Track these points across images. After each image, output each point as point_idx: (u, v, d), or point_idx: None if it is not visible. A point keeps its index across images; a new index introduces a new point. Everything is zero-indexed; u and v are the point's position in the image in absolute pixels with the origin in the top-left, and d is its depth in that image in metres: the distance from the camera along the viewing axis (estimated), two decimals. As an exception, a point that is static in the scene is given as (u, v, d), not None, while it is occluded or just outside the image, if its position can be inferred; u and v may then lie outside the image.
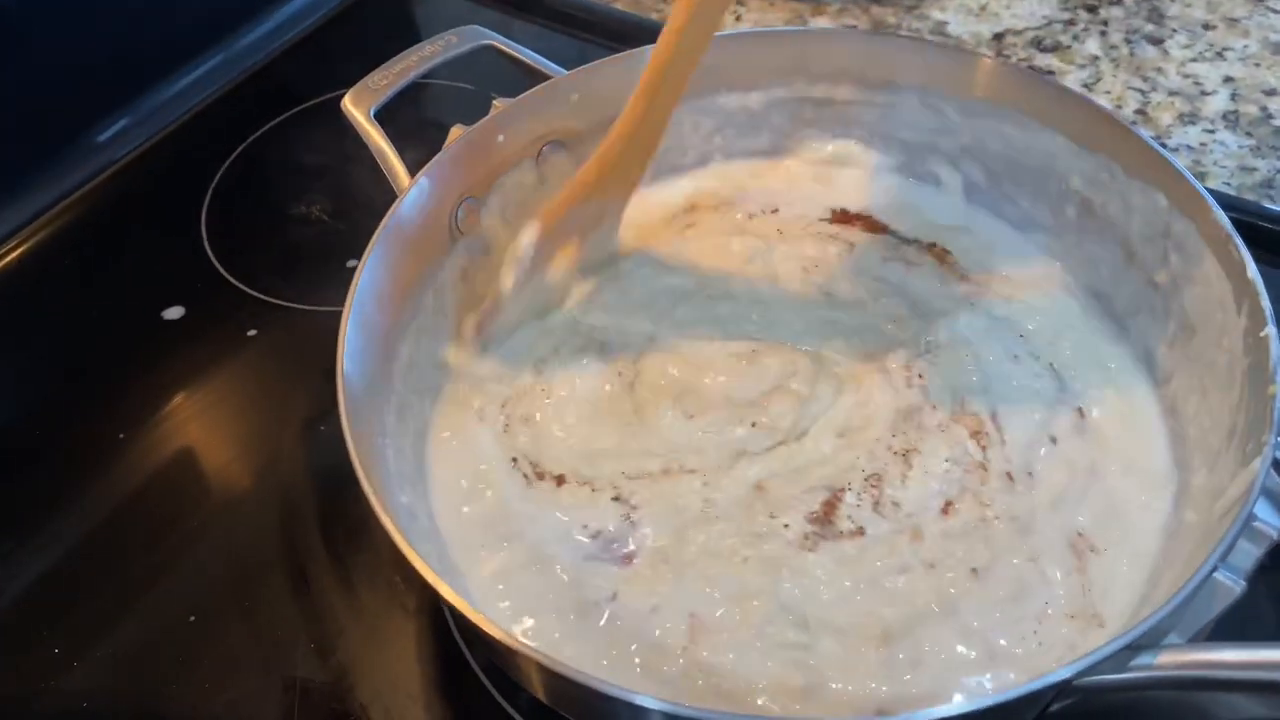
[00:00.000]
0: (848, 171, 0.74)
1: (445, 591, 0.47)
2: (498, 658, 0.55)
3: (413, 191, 0.63)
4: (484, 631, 0.46)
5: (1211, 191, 0.77)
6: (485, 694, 0.58)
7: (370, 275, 0.59)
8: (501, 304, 0.66)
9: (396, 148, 0.66)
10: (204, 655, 0.60)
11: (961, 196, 0.73)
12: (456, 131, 0.67)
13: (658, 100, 0.63)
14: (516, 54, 0.73)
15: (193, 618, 0.62)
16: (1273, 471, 0.49)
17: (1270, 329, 0.52)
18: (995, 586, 0.55)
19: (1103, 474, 0.59)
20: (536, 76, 0.72)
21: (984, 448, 0.60)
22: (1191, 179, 0.59)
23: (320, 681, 0.59)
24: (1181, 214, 0.60)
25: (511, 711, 0.57)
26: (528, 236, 0.65)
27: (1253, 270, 0.54)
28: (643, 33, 0.75)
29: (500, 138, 0.68)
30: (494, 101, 0.69)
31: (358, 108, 0.69)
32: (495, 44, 0.74)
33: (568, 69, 0.71)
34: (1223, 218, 0.57)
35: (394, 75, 0.70)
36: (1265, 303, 0.53)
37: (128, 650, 0.61)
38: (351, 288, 0.57)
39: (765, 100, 0.74)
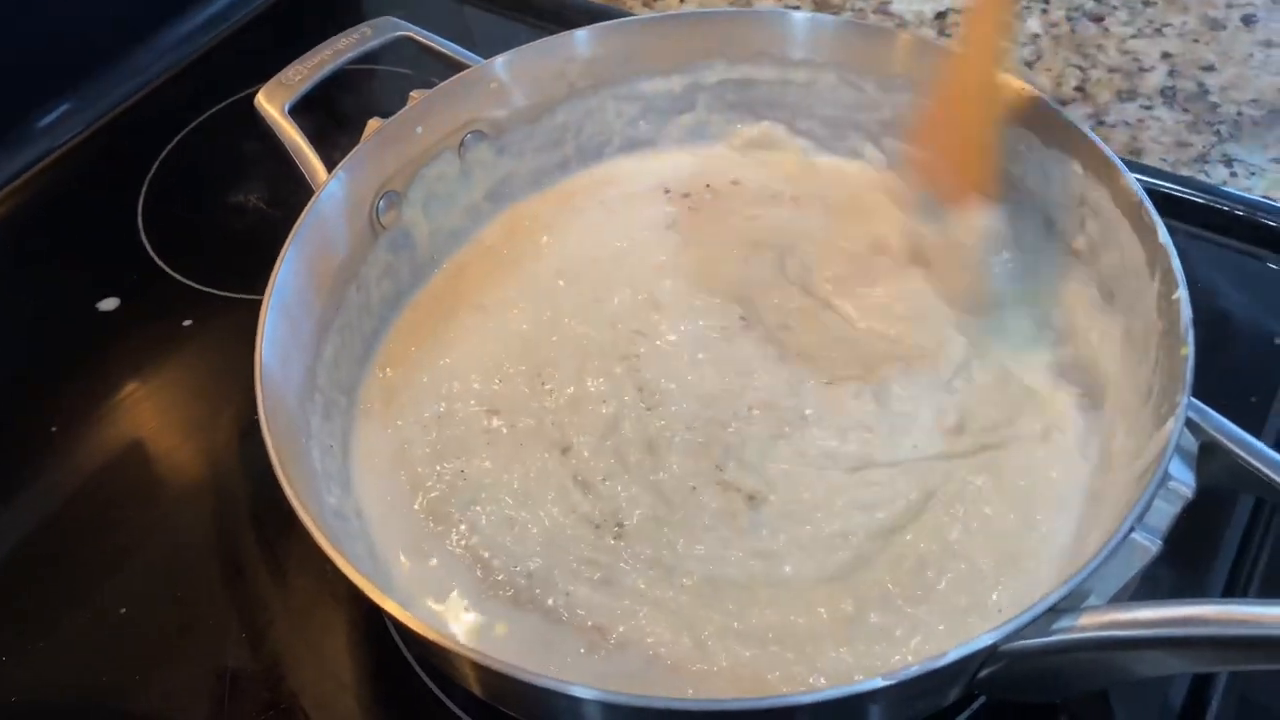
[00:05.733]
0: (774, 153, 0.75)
1: (375, 595, 0.46)
2: (432, 656, 0.55)
3: (328, 188, 0.62)
4: (418, 634, 0.45)
5: (1146, 166, 0.80)
6: (417, 681, 0.58)
7: (287, 275, 0.58)
8: None
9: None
10: (136, 647, 0.60)
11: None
12: (374, 124, 0.67)
13: None
14: (433, 44, 0.73)
15: (124, 609, 0.62)
16: (1186, 431, 0.50)
17: (1181, 292, 0.53)
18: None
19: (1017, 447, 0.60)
20: (456, 66, 0.71)
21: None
22: (1102, 146, 0.60)
23: (251, 670, 0.59)
24: (1095, 181, 0.61)
25: (444, 698, 0.57)
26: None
27: (1164, 235, 0.55)
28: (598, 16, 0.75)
29: (418, 129, 0.68)
30: (411, 94, 0.68)
31: (271, 103, 0.68)
32: (411, 34, 0.73)
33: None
34: (1133, 183, 0.58)
35: (308, 70, 0.70)
36: (1176, 266, 0.54)
37: (60, 645, 0.61)
38: (267, 292, 0.57)
39: (686, 83, 0.74)
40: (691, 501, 0.58)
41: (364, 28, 0.73)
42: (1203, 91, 0.87)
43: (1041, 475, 0.58)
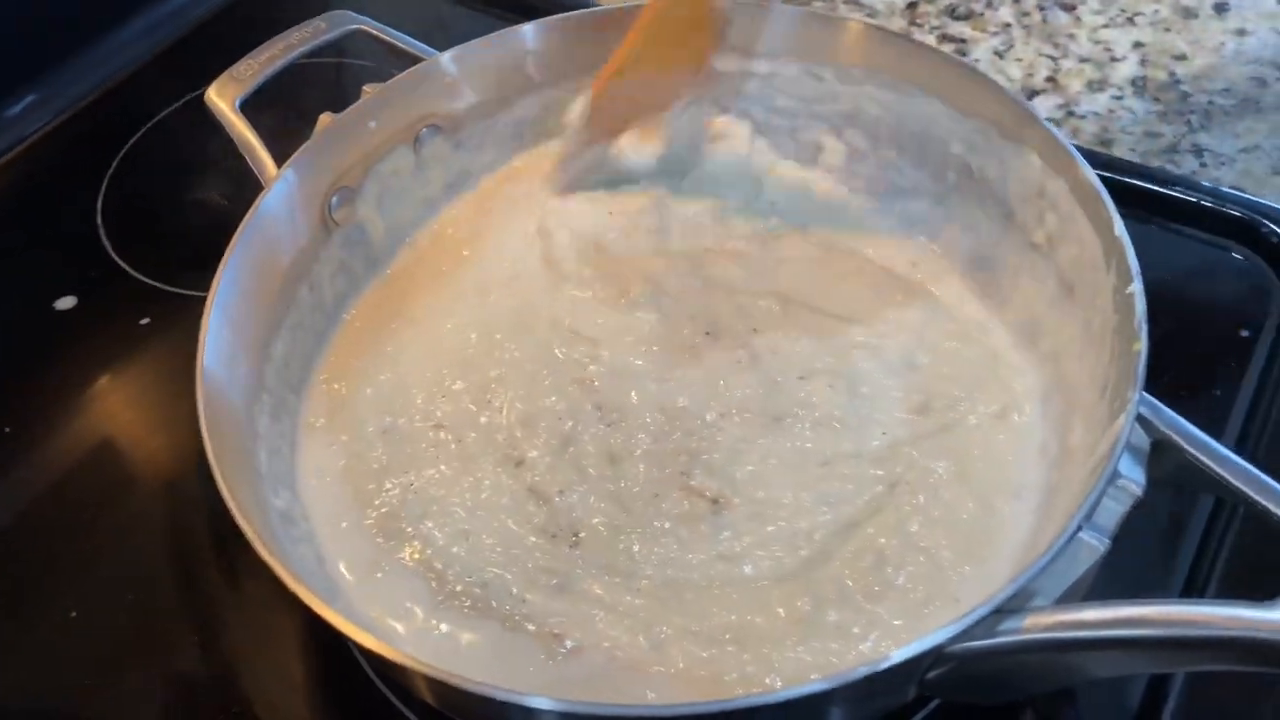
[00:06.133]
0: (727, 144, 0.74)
1: (316, 605, 0.45)
2: (384, 666, 0.54)
3: (277, 185, 0.61)
4: (361, 646, 0.44)
5: (1115, 157, 0.79)
6: (373, 688, 0.57)
7: (232, 275, 0.57)
8: (562, 168, 0.69)
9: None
10: (88, 652, 0.59)
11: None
12: (325, 119, 0.65)
13: None
14: (387, 37, 0.71)
15: (74, 614, 0.61)
16: (1138, 427, 0.49)
17: (1135, 285, 0.52)
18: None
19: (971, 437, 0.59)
20: (414, 60, 0.70)
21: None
22: (1060, 137, 0.59)
23: (203, 676, 0.58)
24: (1054, 173, 0.60)
25: (400, 705, 0.56)
26: (579, 106, 0.67)
27: (1119, 227, 0.54)
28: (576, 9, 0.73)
29: (372, 124, 0.67)
30: (364, 88, 0.67)
31: (222, 98, 0.66)
32: (366, 28, 0.72)
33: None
34: (1091, 175, 0.57)
35: (259, 64, 0.68)
36: (1131, 259, 0.53)
37: (7, 649, 0.60)
38: (210, 292, 0.56)
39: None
40: (653, 509, 0.57)
41: (318, 21, 0.71)
42: (1174, 81, 0.86)
43: (999, 458, 0.58)
